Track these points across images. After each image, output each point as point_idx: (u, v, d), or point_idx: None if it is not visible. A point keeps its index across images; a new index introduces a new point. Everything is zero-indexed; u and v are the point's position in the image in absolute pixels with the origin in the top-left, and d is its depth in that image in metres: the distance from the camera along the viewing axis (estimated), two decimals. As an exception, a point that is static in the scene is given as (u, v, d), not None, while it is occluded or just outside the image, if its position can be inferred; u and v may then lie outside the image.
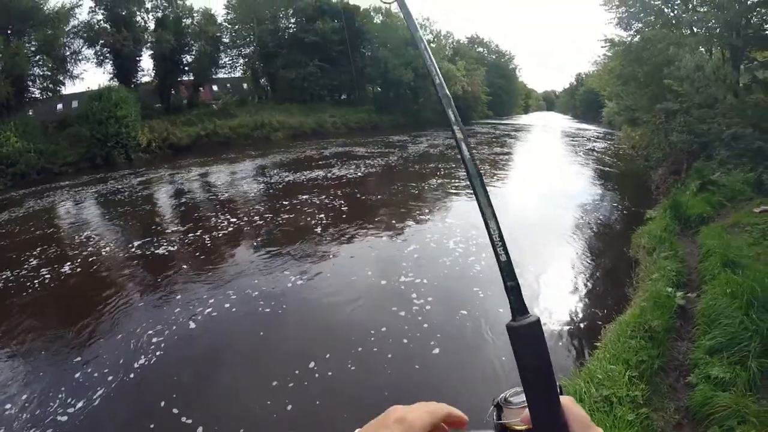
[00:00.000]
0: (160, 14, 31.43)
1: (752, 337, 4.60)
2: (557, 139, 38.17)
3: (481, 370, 5.39)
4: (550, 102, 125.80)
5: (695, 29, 14.62)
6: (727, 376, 4.25)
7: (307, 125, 35.29)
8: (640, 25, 16.26)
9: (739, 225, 8.35)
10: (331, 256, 9.32)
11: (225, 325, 6.66)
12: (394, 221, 11.59)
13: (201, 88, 35.65)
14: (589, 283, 8.15)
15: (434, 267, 8.45)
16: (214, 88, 38.87)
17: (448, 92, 0.79)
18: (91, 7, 28.29)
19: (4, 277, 8.70)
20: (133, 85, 29.84)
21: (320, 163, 20.82)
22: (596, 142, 33.37)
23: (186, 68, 33.50)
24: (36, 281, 8.42)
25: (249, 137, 30.97)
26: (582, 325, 6.71)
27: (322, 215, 12.11)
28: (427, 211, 12.61)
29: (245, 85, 41.48)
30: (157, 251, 9.85)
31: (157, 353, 5.89)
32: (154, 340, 6.20)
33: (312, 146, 27.69)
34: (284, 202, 13.48)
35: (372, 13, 45.07)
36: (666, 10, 15.43)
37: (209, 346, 6.16)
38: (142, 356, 5.81)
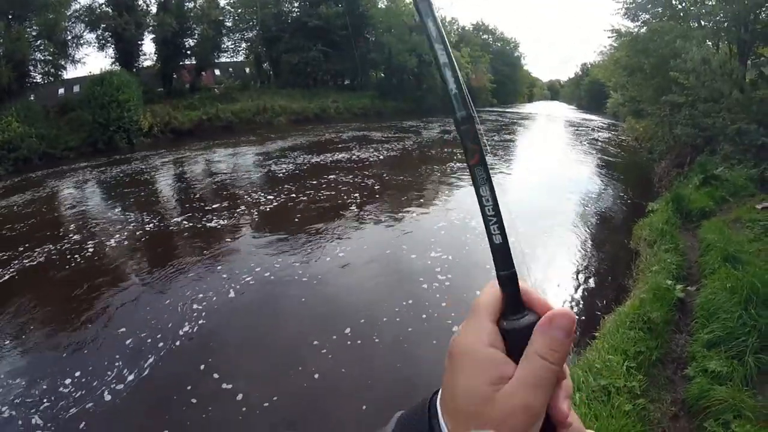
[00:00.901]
0: None
1: (750, 333, 4.65)
2: (561, 129, 38.13)
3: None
4: (554, 91, 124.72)
5: (703, 22, 14.55)
6: (724, 370, 4.27)
7: (309, 110, 35.08)
8: (647, 16, 16.12)
9: (740, 221, 8.38)
10: (365, 232, 10.14)
11: (265, 294, 7.26)
12: (421, 200, 12.53)
13: (203, 72, 35.49)
14: (589, 273, 8.25)
15: (457, 243, 9.14)
16: (216, 72, 38.68)
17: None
18: None
19: (47, 250, 9.20)
20: (134, 70, 29.66)
21: (339, 146, 21.44)
22: (600, 132, 33.34)
23: (188, 52, 33.30)
24: (77, 255, 8.93)
25: (251, 122, 30.88)
26: (581, 315, 6.77)
27: (352, 195, 12.96)
28: (447, 192, 13.51)
29: (247, 70, 41.27)
30: (196, 225, 10.55)
31: (200, 321, 6.37)
32: (196, 307, 6.72)
33: (318, 131, 27.75)
34: (308, 183, 14.15)
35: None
36: (674, 2, 15.30)
37: (251, 313, 6.72)
38: (186, 323, 6.29)
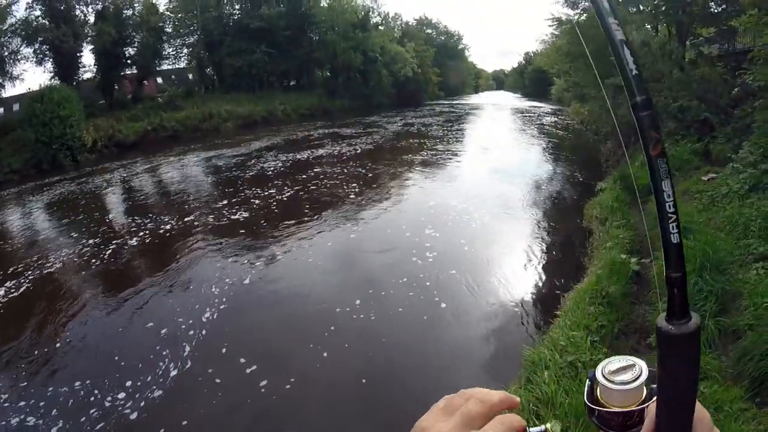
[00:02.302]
0: (99, 6, 30.55)
1: (707, 298, 4.90)
2: (509, 117, 39.43)
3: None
4: (499, 81, 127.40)
5: (641, 7, 15.04)
6: None
7: (257, 113, 35.34)
8: (587, 3, 16.56)
9: (688, 192, 8.69)
10: (360, 216, 11.75)
11: (284, 274, 8.54)
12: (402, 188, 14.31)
13: (145, 82, 35.08)
14: (545, 254, 8.75)
15: (443, 220, 10.60)
16: (159, 80, 38.13)
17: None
18: (28, 3, 27.33)
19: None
20: (75, 83, 29.14)
21: (303, 145, 23.41)
22: (546, 117, 34.76)
23: (128, 61, 32.89)
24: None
25: (198, 129, 30.81)
26: (541, 295, 7.22)
27: (339, 186, 14.70)
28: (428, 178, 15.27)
29: (191, 76, 40.88)
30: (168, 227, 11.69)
31: (221, 307, 7.34)
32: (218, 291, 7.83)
33: (270, 133, 28.59)
34: (288, 180, 15.74)
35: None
36: (613, -12, 16.06)
37: (271, 293, 7.89)
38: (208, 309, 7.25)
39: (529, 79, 70.90)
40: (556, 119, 32.93)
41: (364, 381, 5.51)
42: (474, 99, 71.81)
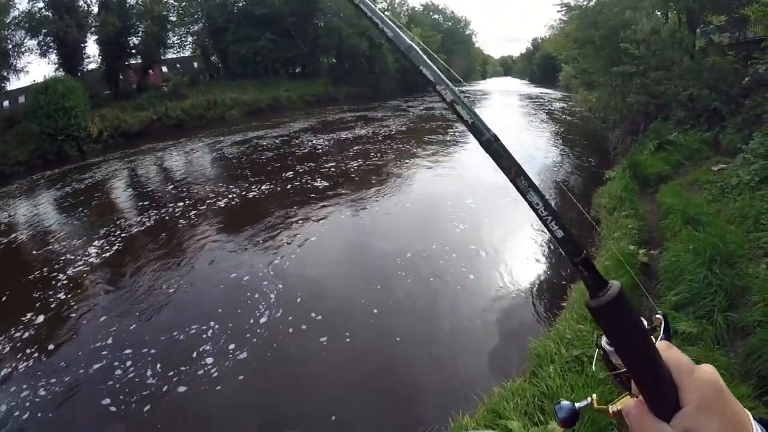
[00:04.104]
0: None
1: (716, 292, 4.81)
2: (516, 103, 39.25)
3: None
4: (507, 67, 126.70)
5: None
6: (695, 331, 4.40)
7: (262, 101, 35.21)
8: None
9: (698, 183, 8.63)
10: (387, 190, 12.99)
11: (329, 246, 9.46)
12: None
13: (150, 71, 34.92)
14: (551, 245, 8.55)
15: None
16: (164, 69, 38.05)
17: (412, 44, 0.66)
18: None
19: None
20: (79, 74, 29.08)
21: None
22: (554, 104, 34.66)
23: (133, 51, 32.66)
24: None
25: (203, 117, 30.79)
26: (548, 287, 7.30)
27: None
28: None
29: (195, 64, 40.77)
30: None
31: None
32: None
33: (275, 121, 28.58)
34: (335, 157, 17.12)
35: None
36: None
37: (330, 252, 9.13)
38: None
39: (537, 66, 70.63)
40: (563, 106, 32.72)
41: (398, 339, 6.30)
42: (481, 85, 71.49)
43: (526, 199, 0.61)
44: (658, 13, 15.01)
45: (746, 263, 5.39)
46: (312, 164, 16.14)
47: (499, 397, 4.13)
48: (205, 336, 6.44)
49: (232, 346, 6.19)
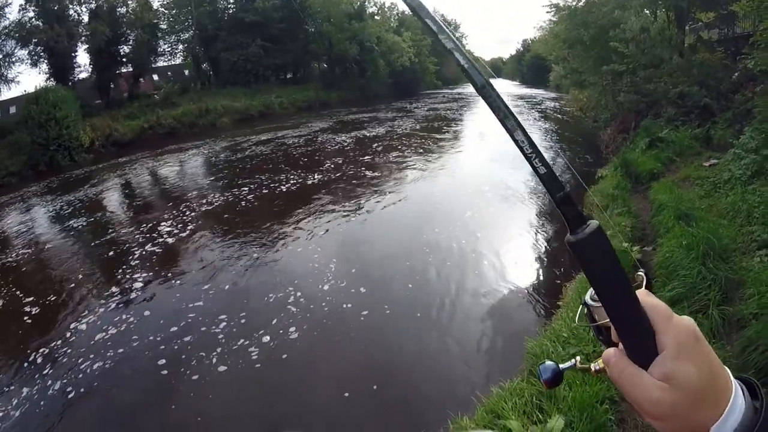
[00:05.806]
0: (93, 5, 30.08)
1: (711, 287, 4.83)
2: (508, 104, 39.18)
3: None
4: (497, 69, 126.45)
5: None
6: None
7: (253, 108, 35.09)
8: None
9: (689, 179, 8.69)
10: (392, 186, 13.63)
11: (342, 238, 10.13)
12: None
13: (141, 79, 34.79)
14: (545, 245, 8.83)
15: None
16: (155, 77, 37.94)
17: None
18: (21, 4, 27.01)
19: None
20: (70, 83, 28.99)
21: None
22: (545, 104, 34.67)
23: (124, 59, 32.55)
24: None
25: (194, 125, 30.64)
26: (542, 286, 7.28)
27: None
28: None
29: (186, 72, 40.72)
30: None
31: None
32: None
33: (271, 128, 28.29)
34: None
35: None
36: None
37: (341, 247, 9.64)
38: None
39: (527, 67, 70.87)
40: (554, 105, 32.84)
41: (418, 315, 6.80)
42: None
43: (513, 138, 0.65)
44: (647, 11, 15.10)
45: (740, 257, 5.43)
46: (302, 169, 16.26)
47: (498, 397, 4.13)
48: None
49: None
